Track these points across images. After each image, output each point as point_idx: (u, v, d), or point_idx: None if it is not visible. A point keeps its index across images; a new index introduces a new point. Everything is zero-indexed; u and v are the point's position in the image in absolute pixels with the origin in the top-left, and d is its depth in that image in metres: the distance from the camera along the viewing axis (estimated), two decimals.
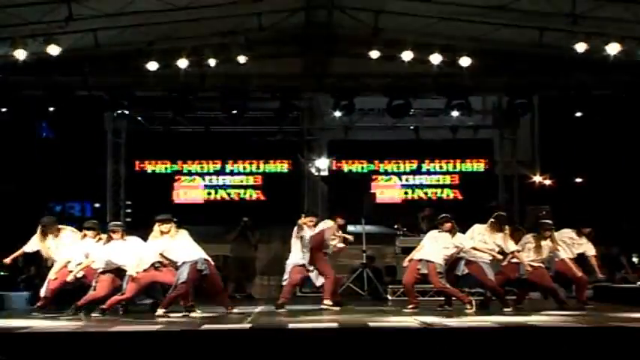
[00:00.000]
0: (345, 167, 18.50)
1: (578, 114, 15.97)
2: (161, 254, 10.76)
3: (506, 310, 11.22)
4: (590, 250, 12.34)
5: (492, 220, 11.68)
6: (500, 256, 11.52)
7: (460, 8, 13.84)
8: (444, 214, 11.85)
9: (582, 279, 12.07)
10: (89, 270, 11.10)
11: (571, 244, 12.22)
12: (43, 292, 11.33)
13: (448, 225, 11.57)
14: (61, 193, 19.80)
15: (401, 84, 15.97)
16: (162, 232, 10.78)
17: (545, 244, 11.64)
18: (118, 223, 11.96)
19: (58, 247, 11.65)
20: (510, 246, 11.57)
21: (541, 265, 11.67)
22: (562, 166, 18.88)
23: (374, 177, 18.44)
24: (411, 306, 11.41)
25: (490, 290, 11.70)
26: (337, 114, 16.58)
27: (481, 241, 11.52)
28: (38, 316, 10.73)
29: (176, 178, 18.23)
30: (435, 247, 11.48)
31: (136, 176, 18.06)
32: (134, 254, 10.70)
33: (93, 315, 10.53)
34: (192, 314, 10.62)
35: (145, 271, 10.68)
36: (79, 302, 10.74)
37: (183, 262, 10.64)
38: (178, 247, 10.76)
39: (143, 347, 7.62)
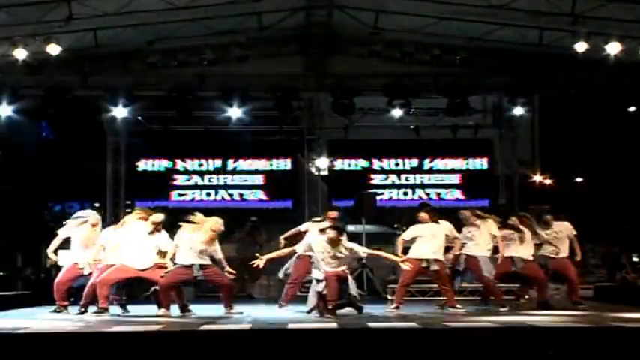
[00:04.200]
0: (345, 167, 18.50)
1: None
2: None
3: (502, 309, 11.21)
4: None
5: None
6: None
7: (460, 8, 13.86)
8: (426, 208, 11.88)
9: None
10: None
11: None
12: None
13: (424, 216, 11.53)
14: (60, 193, 19.79)
15: (401, 84, 15.98)
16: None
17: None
18: None
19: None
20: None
21: (530, 258, 11.69)
22: (562, 166, 18.88)
23: (374, 176, 18.44)
24: (393, 305, 11.42)
25: (484, 285, 11.67)
26: (337, 114, 16.58)
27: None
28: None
29: (175, 177, 18.23)
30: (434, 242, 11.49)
31: (135, 176, 18.06)
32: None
33: (92, 312, 10.58)
34: (186, 314, 10.62)
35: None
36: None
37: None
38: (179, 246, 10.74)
39: (143, 347, 7.61)
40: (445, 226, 11.53)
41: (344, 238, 10.64)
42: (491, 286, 11.52)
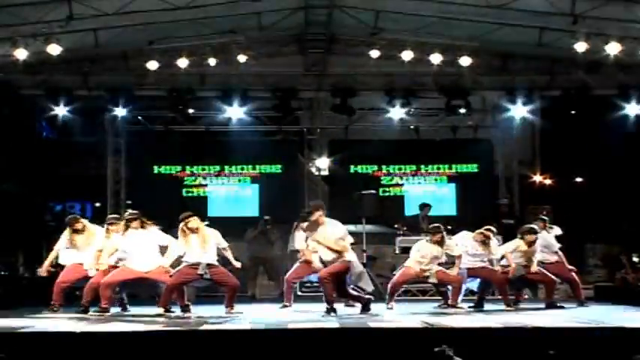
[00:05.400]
0: (345, 167, 18.48)
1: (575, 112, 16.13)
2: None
3: (507, 309, 11.25)
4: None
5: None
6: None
7: (460, 8, 13.86)
8: (435, 225, 11.70)
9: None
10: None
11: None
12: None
13: (438, 236, 11.45)
14: (61, 193, 19.78)
15: (401, 84, 15.98)
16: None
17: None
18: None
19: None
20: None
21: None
22: (562, 166, 18.84)
23: (374, 176, 18.43)
24: (389, 305, 11.44)
25: (501, 287, 11.72)
26: (337, 114, 16.59)
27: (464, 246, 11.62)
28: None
29: (176, 177, 18.24)
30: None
31: (137, 176, 18.07)
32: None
33: (93, 312, 10.59)
34: (187, 314, 10.63)
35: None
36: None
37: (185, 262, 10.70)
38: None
39: (143, 347, 7.62)
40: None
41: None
42: (505, 287, 11.63)
